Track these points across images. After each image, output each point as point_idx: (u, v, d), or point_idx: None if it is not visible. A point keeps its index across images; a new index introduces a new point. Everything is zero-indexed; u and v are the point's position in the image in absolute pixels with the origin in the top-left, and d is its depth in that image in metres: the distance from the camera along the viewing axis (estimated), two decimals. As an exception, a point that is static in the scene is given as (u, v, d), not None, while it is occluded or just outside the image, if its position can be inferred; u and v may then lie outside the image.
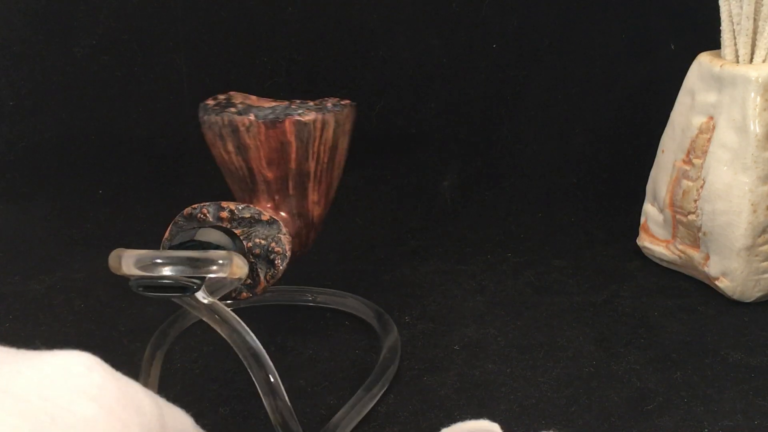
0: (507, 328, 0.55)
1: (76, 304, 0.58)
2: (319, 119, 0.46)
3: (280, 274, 0.44)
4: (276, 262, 0.43)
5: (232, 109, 0.47)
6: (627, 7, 0.79)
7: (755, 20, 0.55)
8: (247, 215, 0.44)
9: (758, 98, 0.54)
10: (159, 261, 0.35)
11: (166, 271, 0.35)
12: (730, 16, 0.56)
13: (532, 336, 0.54)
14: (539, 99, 0.82)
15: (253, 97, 0.51)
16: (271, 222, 0.43)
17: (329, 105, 0.48)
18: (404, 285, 0.60)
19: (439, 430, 0.33)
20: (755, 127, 0.54)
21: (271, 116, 0.46)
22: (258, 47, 0.78)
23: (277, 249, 0.43)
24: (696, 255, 0.58)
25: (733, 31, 0.56)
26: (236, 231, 0.43)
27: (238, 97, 0.50)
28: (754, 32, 0.55)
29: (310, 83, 0.78)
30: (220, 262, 0.35)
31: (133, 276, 0.35)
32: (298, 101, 0.49)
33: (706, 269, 0.58)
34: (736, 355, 0.51)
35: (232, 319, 0.37)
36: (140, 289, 0.35)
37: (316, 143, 0.46)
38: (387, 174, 0.77)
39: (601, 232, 0.69)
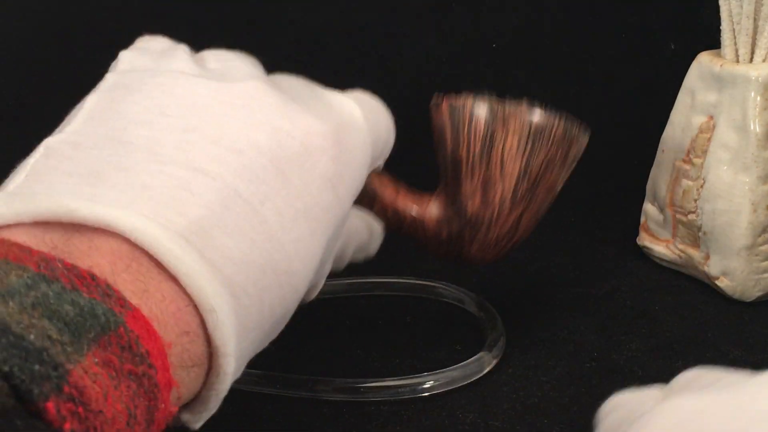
0: (507, 323, 0.55)
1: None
2: (469, 104, 0.47)
3: None
4: None
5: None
6: (627, 7, 0.80)
7: (755, 20, 0.55)
8: None
9: (758, 98, 0.54)
10: None
11: None
12: (730, 16, 0.56)
13: (532, 331, 0.54)
14: (539, 99, 0.82)
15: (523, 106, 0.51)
16: None
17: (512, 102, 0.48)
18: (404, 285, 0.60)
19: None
20: (755, 127, 0.54)
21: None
22: (258, 47, 0.78)
23: None
24: (696, 254, 0.58)
25: (733, 30, 0.56)
26: None
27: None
28: (754, 32, 0.56)
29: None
30: None
31: None
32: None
33: (706, 269, 0.58)
34: (736, 352, 0.51)
35: None
36: None
37: (465, 129, 0.46)
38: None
39: (601, 232, 0.69)
